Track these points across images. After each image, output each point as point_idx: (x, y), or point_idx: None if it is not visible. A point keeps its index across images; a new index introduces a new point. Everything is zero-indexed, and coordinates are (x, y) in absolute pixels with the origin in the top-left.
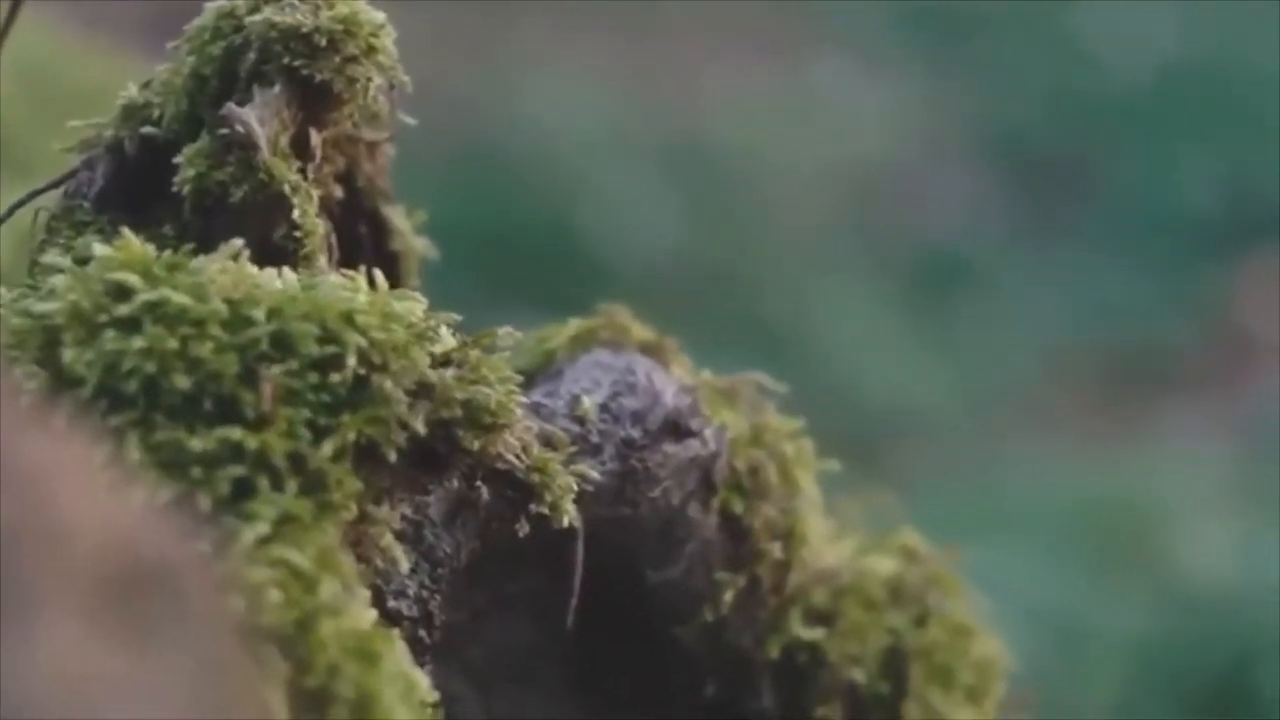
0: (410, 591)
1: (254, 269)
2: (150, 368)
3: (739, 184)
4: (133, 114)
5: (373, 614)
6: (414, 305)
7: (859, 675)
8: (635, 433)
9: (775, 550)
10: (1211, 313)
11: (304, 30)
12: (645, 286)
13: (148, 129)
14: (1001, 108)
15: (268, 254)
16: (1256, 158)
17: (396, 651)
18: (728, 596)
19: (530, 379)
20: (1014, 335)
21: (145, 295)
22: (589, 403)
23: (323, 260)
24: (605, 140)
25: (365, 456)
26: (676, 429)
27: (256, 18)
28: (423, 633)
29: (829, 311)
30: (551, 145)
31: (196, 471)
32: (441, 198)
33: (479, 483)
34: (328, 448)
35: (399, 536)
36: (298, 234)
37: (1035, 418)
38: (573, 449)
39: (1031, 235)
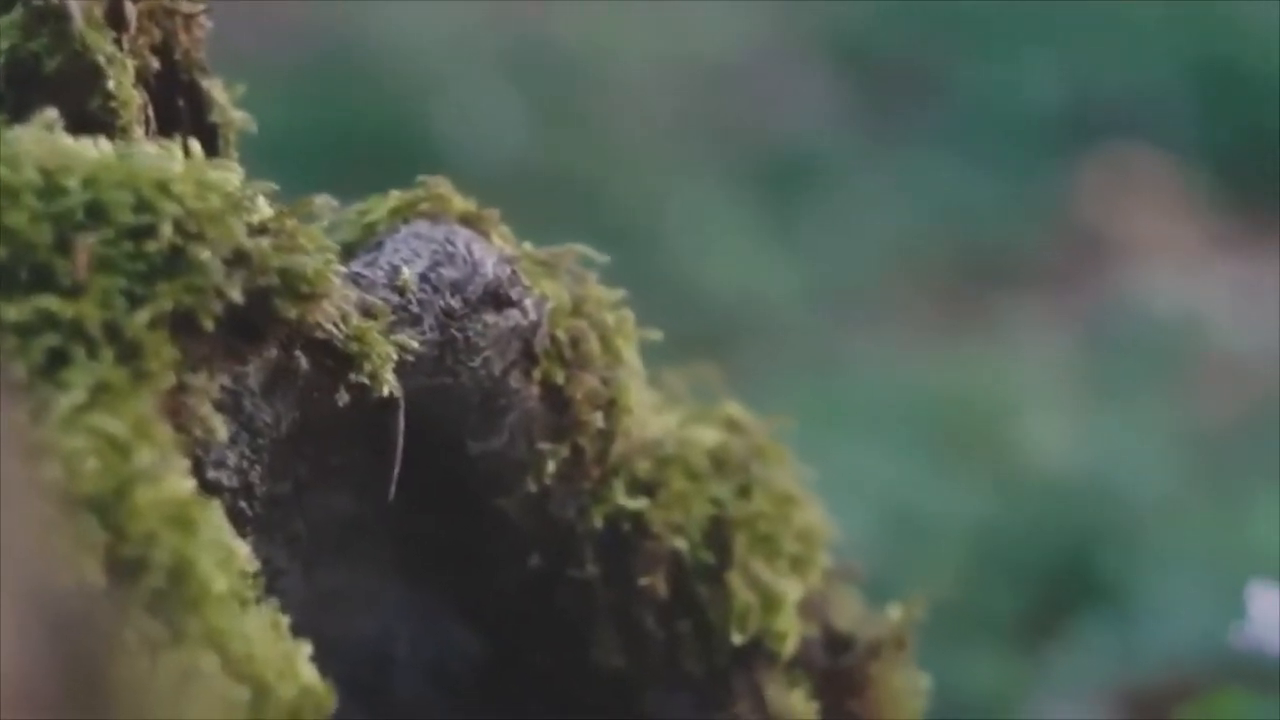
0: (230, 462)
1: (69, 139)
2: None
3: (588, 84)
4: None
5: (191, 483)
6: (230, 175)
7: (683, 544)
8: (455, 302)
9: (597, 420)
10: (1055, 211)
11: None
12: (495, 187)
13: None
14: (849, 8)
15: (83, 125)
16: (1099, 59)
17: (214, 520)
18: (550, 467)
19: (351, 251)
20: (861, 234)
21: None
22: (408, 273)
23: (139, 132)
24: (454, 41)
25: (182, 325)
26: (497, 299)
27: None
28: (243, 504)
29: (678, 211)
30: (401, 47)
31: (11, 340)
32: (291, 100)
33: (298, 352)
34: (143, 316)
35: (217, 406)
36: (113, 105)
37: (882, 315)
38: (392, 319)
39: (878, 135)
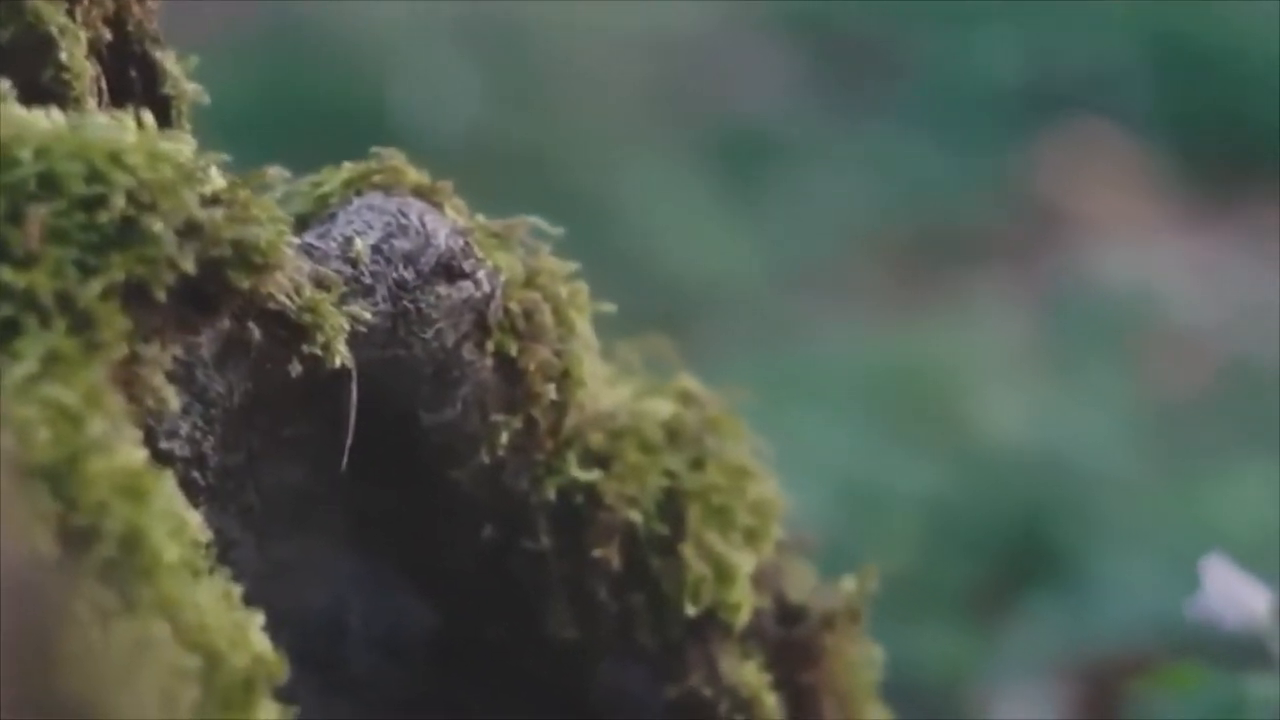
0: (182, 432)
1: (21, 110)
2: None
3: (545, 58)
4: None
5: (143, 453)
6: (182, 146)
7: (636, 516)
8: (408, 274)
9: (550, 392)
10: (1013, 186)
11: None
12: (451, 161)
13: None
14: None
15: (35, 96)
16: (1059, 34)
17: (167, 490)
18: (503, 438)
19: (304, 223)
20: (820, 209)
21: None
22: (361, 244)
23: (92, 103)
24: (410, 15)
25: (134, 296)
26: (450, 270)
27: None
28: (196, 474)
29: (635, 186)
30: (357, 20)
31: None
32: (247, 74)
33: (250, 323)
34: (96, 286)
35: (170, 377)
36: (65, 76)
37: (840, 290)
38: (345, 290)
39: (838, 111)
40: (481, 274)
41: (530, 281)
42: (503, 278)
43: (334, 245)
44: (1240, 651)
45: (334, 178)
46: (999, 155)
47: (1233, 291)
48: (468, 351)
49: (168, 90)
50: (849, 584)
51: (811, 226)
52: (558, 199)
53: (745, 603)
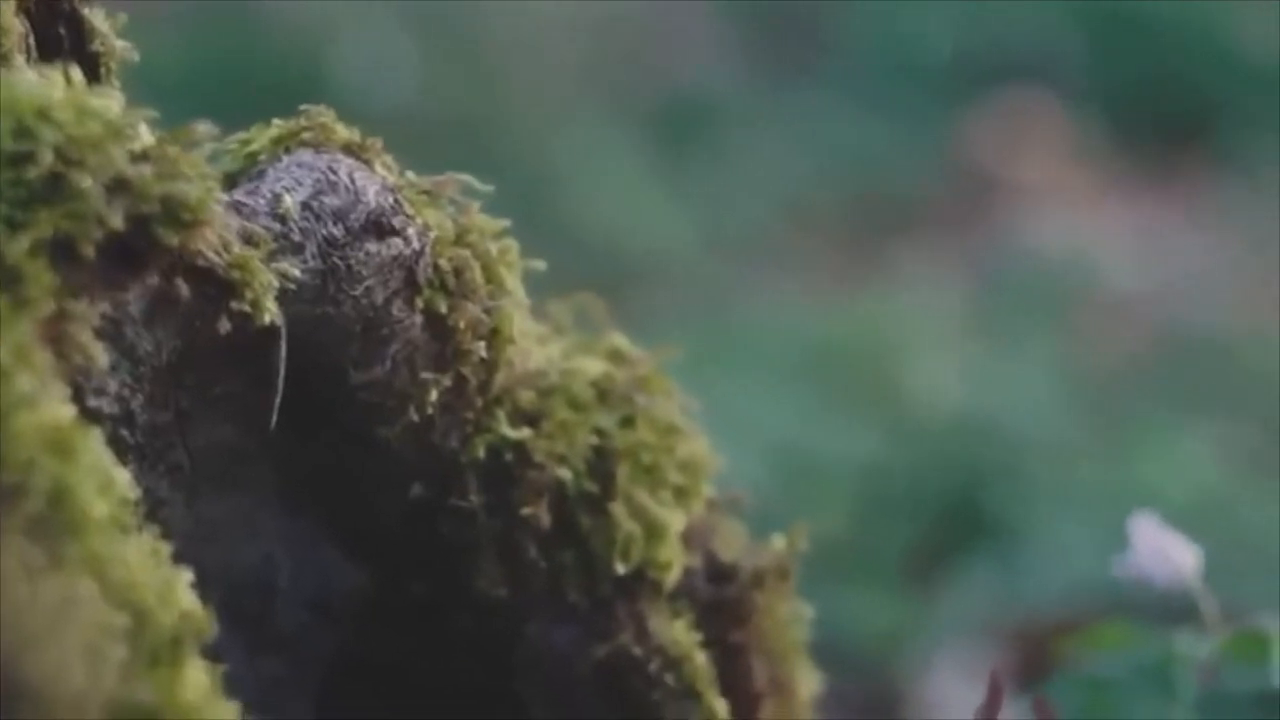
0: (111, 390)
1: None
2: None
3: (484, 27)
4: None
5: (71, 410)
6: (111, 102)
7: (566, 474)
8: (337, 231)
9: (480, 350)
10: (948, 155)
11: None
12: (391, 132)
13: None
14: None
15: None
16: (992, 2)
17: (94, 447)
18: (432, 396)
19: (233, 180)
20: (754, 179)
21: None
22: (290, 201)
23: (20, 60)
24: None
25: (62, 252)
26: (379, 227)
27: None
28: (124, 432)
29: (571, 155)
30: None
31: None
32: (185, 42)
33: (179, 280)
34: (23, 243)
35: (98, 333)
36: None
37: (775, 259)
38: (274, 247)
39: (772, 80)
40: (411, 231)
41: (460, 239)
42: (432, 235)
43: (263, 202)
44: (1171, 610)
45: (263, 135)
46: (934, 124)
47: (1168, 258)
48: (397, 309)
49: (96, 47)
50: (779, 543)
51: (747, 195)
52: (495, 167)
53: (675, 561)
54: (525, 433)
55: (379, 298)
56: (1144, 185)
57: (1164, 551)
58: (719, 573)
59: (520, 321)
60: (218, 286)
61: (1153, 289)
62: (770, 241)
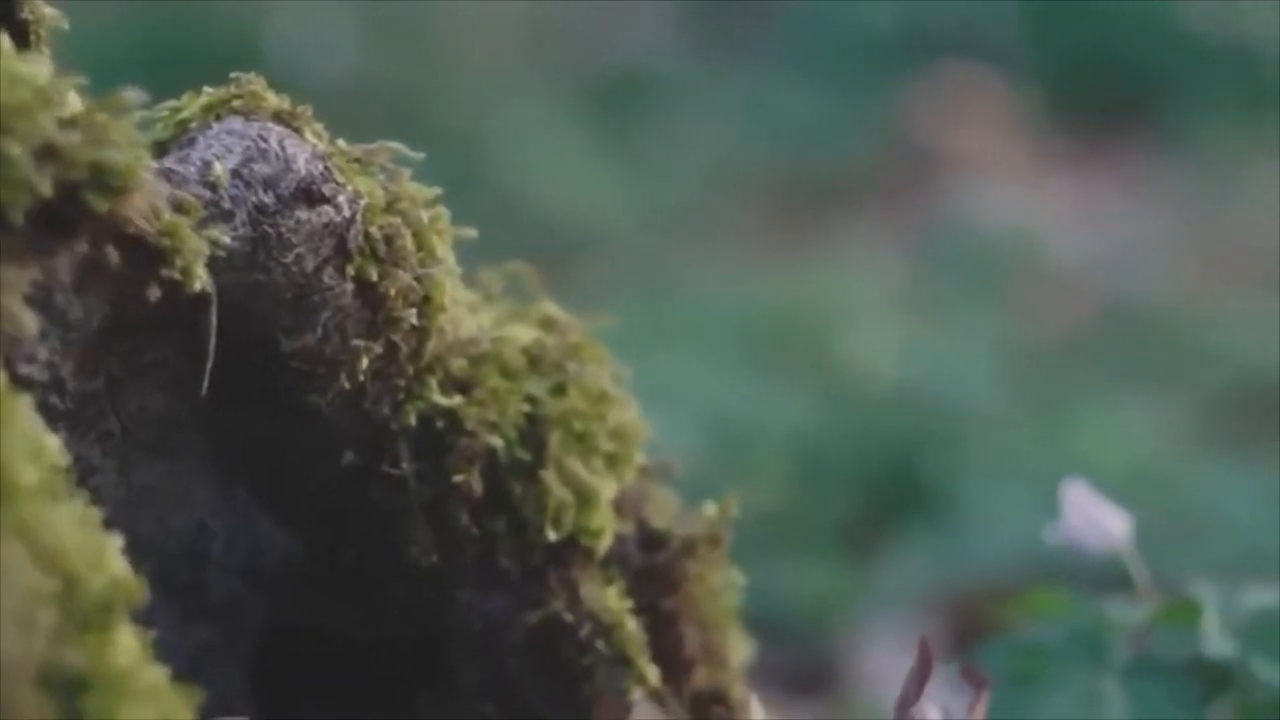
0: (40, 357)
1: None
2: None
3: (420, 2)
4: None
5: (1, 376)
6: (39, 69)
7: (497, 442)
8: (268, 198)
9: (411, 317)
10: (888, 129)
11: None
12: (329, 106)
13: None
14: None
15: None
16: None
17: (24, 413)
18: (364, 364)
19: (164, 148)
20: (695, 152)
21: None
22: (221, 168)
23: None
24: None
25: None
26: (309, 195)
27: None
28: (54, 399)
29: (511, 129)
30: None
31: None
32: (127, 20)
33: (109, 247)
34: None
35: (27, 301)
36: None
37: (715, 231)
38: (204, 214)
39: (713, 55)
40: (342, 199)
41: (391, 206)
42: (363, 202)
43: (193, 169)
44: (1105, 578)
45: (193, 103)
46: (873, 98)
47: (1106, 231)
48: (328, 276)
49: (25, 14)
50: (711, 511)
51: (686, 167)
52: (434, 140)
53: (607, 528)
54: (457, 400)
55: (310, 265)
56: (1083, 158)
57: (1095, 519)
58: (651, 540)
59: (452, 289)
60: (148, 254)
61: (1091, 262)
62: (709, 213)
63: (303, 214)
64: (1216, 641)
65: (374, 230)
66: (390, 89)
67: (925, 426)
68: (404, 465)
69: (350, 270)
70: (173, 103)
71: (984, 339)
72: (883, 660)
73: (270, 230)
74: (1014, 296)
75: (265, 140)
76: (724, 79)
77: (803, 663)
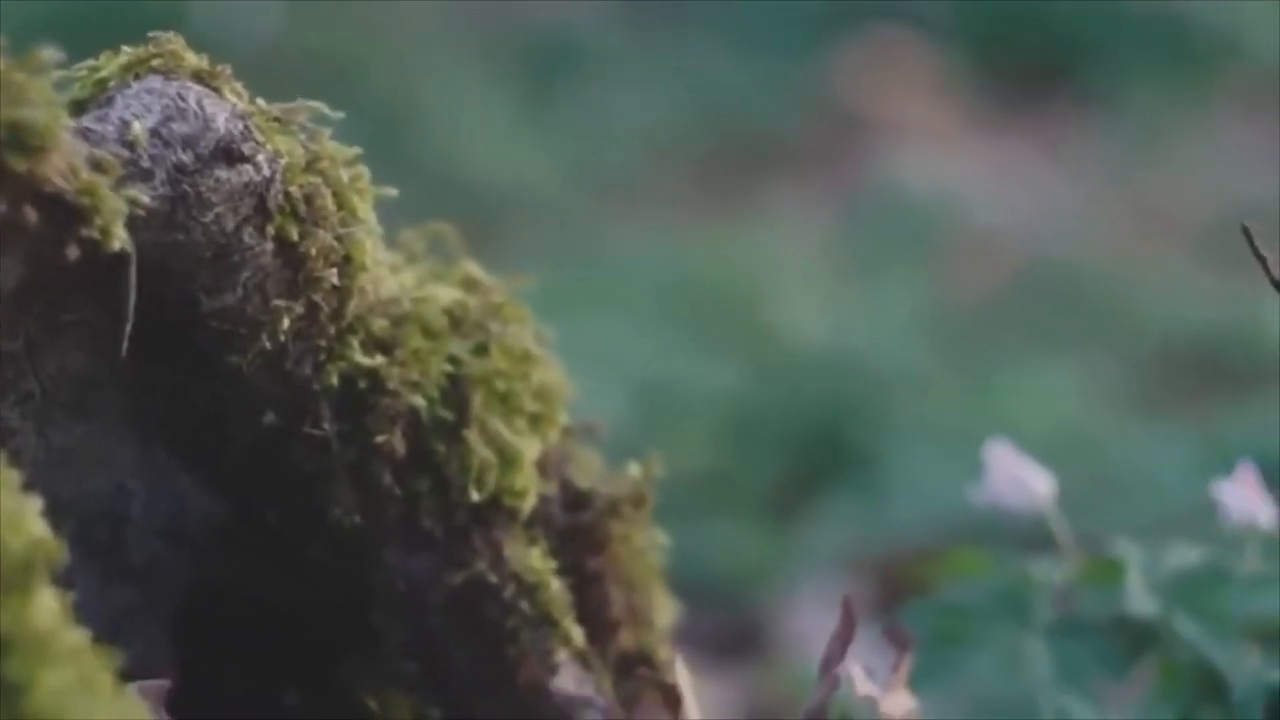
0: None
1: None
2: None
3: None
4: None
5: None
6: None
7: (420, 402)
8: (187, 157)
9: (332, 277)
10: (814, 93)
11: None
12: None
13: None
14: None
15: None
16: None
17: None
18: (285, 324)
19: (82, 107)
20: (622, 118)
21: None
22: (139, 128)
23: None
24: None
25: None
26: (229, 154)
27: None
28: None
29: (437, 93)
30: None
31: None
32: None
33: (27, 206)
34: None
35: None
36: None
37: (642, 198)
38: (123, 173)
39: (641, 20)
40: (261, 158)
41: (311, 166)
42: (283, 162)
43: (112, 129)
44: (1029, 539)
45: (112, 62)
46: (799, 63)
47: (1031, 195)
48: (248, 236)
49: None
50: (635, 471)
51: (614, 134)
52: (361, 107)
53: (530, 488)
54: (379, 360)
55: (229, 224)
56: (1009, 122)
57: (1019, 478)
58: (575, 500)
59: (373, 249)
60: (66, 213)
61: (1017, 225)
62: (637, 179)
63: (222, 173)
64: (1140, 600)
65: (294, 189)
66: (317, 56)
67: (851, 390)
68: (326, 426)
69: (270, 229)
70: (91, 62)
71: (910, 302)
72: (809, 623)
73: (189, 189)
74: (940, 260)
75: (184, 99)
76: (652, 44)
77: (729, 626)
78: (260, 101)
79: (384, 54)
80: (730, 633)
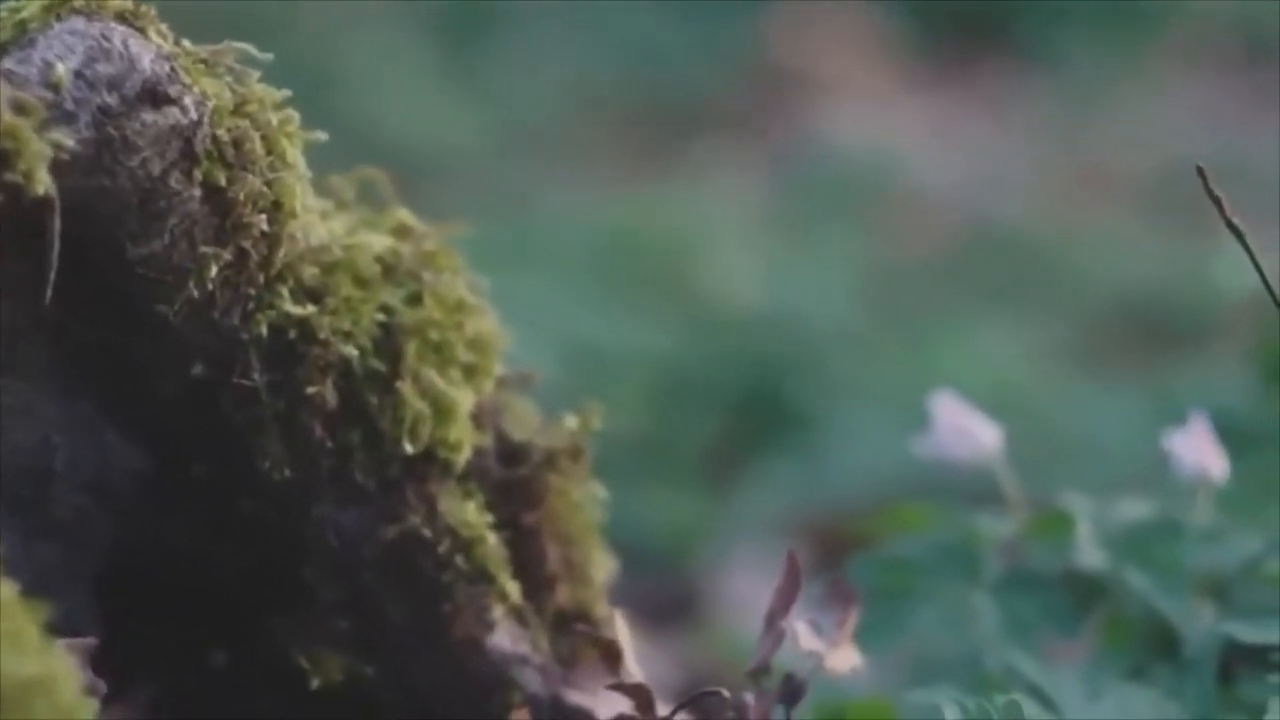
0: None
1: None
2: None
3: None
4: None
5: None
6: None
7: (352, 352)
8: (112, 100)
9: (261, 223)
10: (747, 52)
11: None
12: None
13: None
14: None
15: None
16: None
17: None
18: (212, 271)
19: (3, 49)
20: (548, 78)
21: None
22: (63, 69)
23: None
24: None
25: None
26: (155, 96)
27: None
28: None
29: (359, 53)
30: None
31: None
32: None
33: None
34: None
35: None
36: None
37: (570, 158)
38: (46, 116)
39: None
40: (188, 100)
41: (239, 109)
42: (210, 104)
43: (34, 71)
44: (973, 494)
45: (33, 3)
46: (735, 20)
47: (969, 154)
48: (175, 181)
49: None
50: (572, 422)
51: (544, 93)
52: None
53: (465, 441)
54: (309, 309)
55: (156, 169)
56: (946, 81)
57: (965, 428)
58: (511, 453)
59: (303, 194)
60: None
61: (954, 184)
62: (567, 138)
63: (148, 116)
64: (1089, 553)
65: (222, 133)
66: (235, 16)
67: (788, 350)
68: (255, 376)
69: (198, 174)
70: (11, 3)
71: (847, 262)
72: (746, 587)
73: (114, 133)
74: (877, 219)
75: (108, 40)
76: (577, 2)
77: (665, 590)
78: (186, 43)
79: (304, 14)
80: (665, 598)
